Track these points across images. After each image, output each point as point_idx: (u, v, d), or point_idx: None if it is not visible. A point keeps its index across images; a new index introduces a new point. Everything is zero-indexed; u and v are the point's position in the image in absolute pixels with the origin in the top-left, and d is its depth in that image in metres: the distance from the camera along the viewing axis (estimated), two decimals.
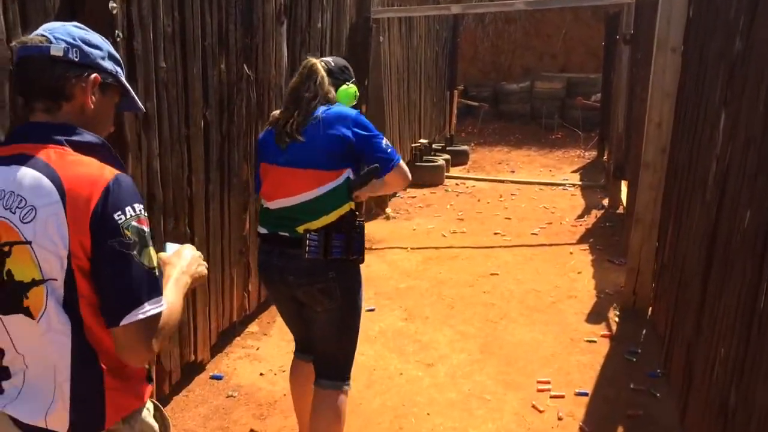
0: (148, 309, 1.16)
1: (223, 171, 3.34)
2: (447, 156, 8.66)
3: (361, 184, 2.11)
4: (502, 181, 8.12)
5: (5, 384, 1.23)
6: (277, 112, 2.25)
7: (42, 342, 1.17)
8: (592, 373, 3.25)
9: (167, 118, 2.80)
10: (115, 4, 2.32)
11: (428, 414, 2.90)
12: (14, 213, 1.15)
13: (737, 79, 2.30)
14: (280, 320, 3.64)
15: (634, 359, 3.38)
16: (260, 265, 2.28)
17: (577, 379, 3.19)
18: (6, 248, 1.16)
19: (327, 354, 2.27)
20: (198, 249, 1.48)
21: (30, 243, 1.14)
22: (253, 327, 3.81)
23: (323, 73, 2.16)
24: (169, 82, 2.78)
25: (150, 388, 1.35)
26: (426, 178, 7.77)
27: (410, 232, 5.91)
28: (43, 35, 1.22)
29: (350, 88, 2.26)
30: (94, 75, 1.25)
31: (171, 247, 1.44)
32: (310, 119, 2.10)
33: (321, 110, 2.12)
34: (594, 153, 9.68)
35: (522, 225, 6.08)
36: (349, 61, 2.55)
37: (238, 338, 3.65)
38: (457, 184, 7.99)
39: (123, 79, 1.33)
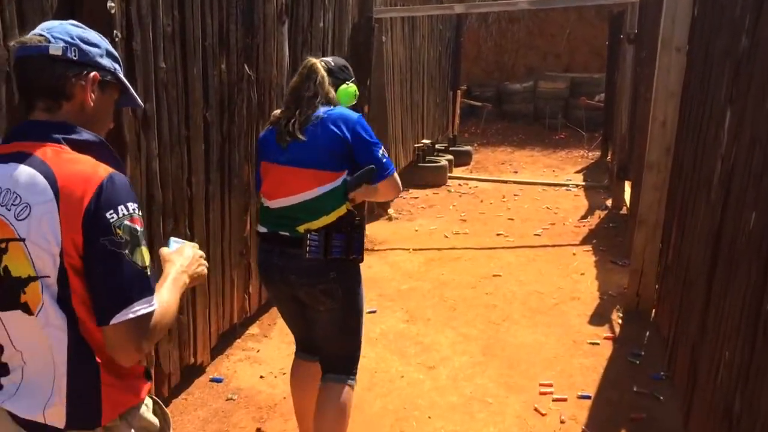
0: (138, 309, 1.16)
1: (224, 172, 3.33)
2: (450, 156, 8.63)
3: (356, 185, 2.11)
4: (505, 182, 8.09)
5: (4, 380, 1.24)
6: (278, 111, 2.26)
7: (40, 337, 1.18)
8: (594, 376, 3.22)
9: (167, 118, 2.78)
10: (113, 4, 2.31)
11: (429, 417, 2.88)
12: (10, 210, 1.16)
13: (743, 77, 2.28)
14: (280, 322, 3.63)
15: (638, 362, 3.35)
16: (260, 264, 2.28)
17: (580, 382, 3.16)
18: (3, 245, 1.17)
19: (331, 353, 2.29)
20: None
21: (24, 240, 1.15)
22: (253, 329, 3.79)
23: (323, 72, 2.18)
24: (169, 83, 2.77)
25: (148, 385, 1.34)
26: (429, 178, 7.75)
27: (412, 233, 5.89)
28: (41, 35, 1.23)
29: (350, 88, 2.28)
30: (93, 73, 1.26)
31: (174, 243, 1.43)
32: (311, 118, 2.11)
33: (323, 110, 2.13)
34: (597, 153, 9.64)
35: (525, 226, 6.06)
36: (351, 61, 2.54)
37: (238, 340, 3.63)
38: (459, 185, 7.97)
39: (122, 76, 1.34)
